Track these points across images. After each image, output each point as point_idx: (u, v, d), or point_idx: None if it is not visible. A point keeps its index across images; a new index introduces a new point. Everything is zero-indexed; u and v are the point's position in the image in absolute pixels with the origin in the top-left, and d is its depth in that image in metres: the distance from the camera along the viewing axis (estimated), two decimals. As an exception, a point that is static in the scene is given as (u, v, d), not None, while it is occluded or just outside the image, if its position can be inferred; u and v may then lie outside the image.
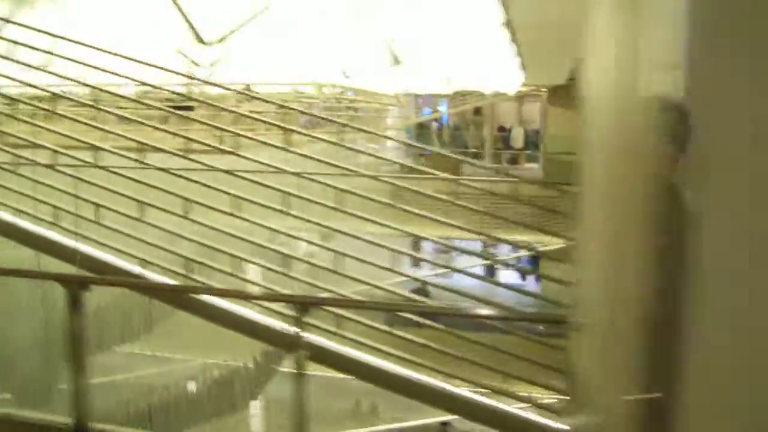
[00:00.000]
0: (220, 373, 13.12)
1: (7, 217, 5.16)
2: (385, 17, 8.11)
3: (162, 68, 5.90)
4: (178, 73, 6.13)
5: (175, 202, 4.93)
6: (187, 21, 7.20)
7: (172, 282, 4.62)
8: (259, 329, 4.28)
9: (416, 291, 11.80)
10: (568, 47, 11.42)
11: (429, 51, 10.20)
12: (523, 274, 21.35)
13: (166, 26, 7.81)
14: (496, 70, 13.68)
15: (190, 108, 11.34)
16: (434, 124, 21.45)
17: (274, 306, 4.74)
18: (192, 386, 12.10)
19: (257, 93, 11.46)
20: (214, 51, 8.60)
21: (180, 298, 4.52)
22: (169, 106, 11.36)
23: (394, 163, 5.64)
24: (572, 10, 6.42)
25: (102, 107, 5.85)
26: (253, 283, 4.62)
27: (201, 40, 7.47)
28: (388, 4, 7.72)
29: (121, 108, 6.66)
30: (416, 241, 19.03)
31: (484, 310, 4.50)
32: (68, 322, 3.56)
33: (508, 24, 8.42)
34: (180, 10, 7.02)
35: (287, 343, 3.84)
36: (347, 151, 6.16)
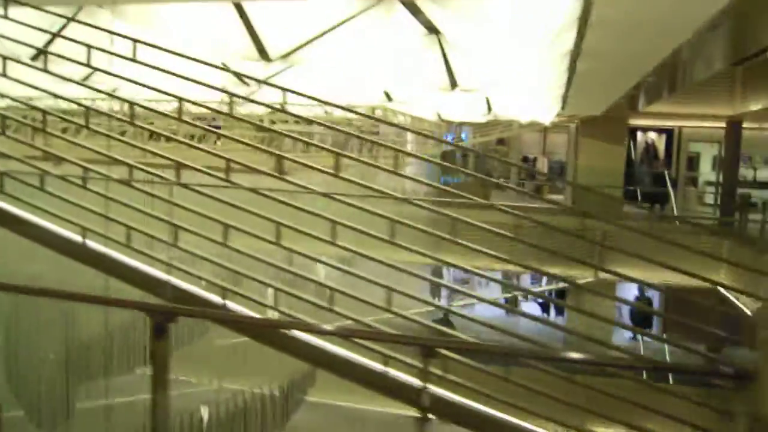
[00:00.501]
0: (245, 399, 12.71)
1: (76, 237, 4.79)
2: (450, 42, 7.81)
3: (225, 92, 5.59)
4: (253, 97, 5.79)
5: (263, 226, 4.57)
6: (252, 35, 6.90)
7: (261, 316, 4.22)
8: (371, 376, 3.84)
9: (439, 321, 11.46)
10: (621, 77, 11.21)
11: (479, 78, 9.92)
12: (546, 307, 20.96)
13: (217, 40, 7.52)
14: (535, 100, 13.42)
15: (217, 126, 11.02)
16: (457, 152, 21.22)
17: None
18: (213, 413, 11.67)
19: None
20: (268, 68, 8.31)
21: (273, 335, 4.11)
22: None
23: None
24: (651, 37, 6.08)
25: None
26: (352, 318, 4.21)
27: (266, 56, 7.16)
28: (453, 30, 7.42)
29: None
30: (437, 269, 18.66)
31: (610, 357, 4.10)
32: (152, 352, 3.23)
33: (574, 52, 8.12)
34: (247, 24, 6.72)
35: (408, 396, 3.41)
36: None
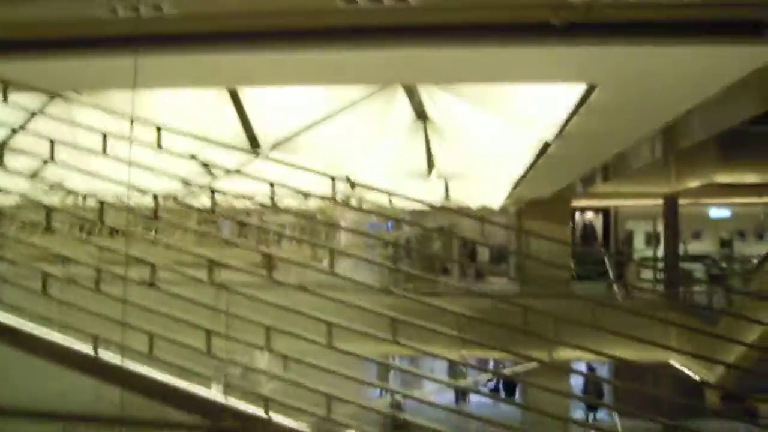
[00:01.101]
0: None
1: (86, 348, 4.21)
2: (438, 128, 7.76)
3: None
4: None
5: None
6: (246, 126, 6.60)
7: None
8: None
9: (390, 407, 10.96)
10: (585, 160, 11.41)
11: (456, 165, 9.93)
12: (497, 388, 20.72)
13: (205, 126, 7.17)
14: (493, 185, 13.55)
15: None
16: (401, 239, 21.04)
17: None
18: None
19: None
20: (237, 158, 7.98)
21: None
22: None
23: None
24: (635, 120, 6.17)
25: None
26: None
27: (256, 144, 6.85)
28: (445, 115, 7.38)
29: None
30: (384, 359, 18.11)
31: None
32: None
33: (557, 136, 8.14)
34: (242, 115, 6.43)
35: None
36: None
